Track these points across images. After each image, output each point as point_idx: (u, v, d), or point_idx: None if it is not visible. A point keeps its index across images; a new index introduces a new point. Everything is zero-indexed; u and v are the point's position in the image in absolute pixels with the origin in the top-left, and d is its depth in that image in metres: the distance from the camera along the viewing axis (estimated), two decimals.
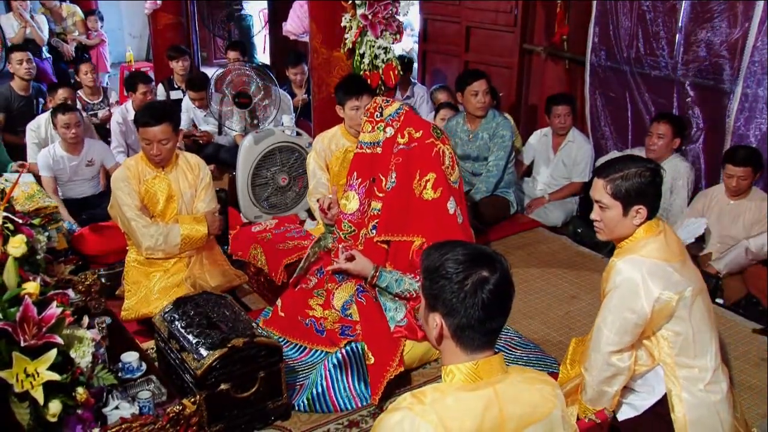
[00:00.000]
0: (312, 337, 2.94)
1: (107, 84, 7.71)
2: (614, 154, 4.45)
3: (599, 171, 2.27)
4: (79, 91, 5.87)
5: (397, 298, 2.89)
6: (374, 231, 2.94)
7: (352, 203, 3.00)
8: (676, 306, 2.16)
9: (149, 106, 3.35)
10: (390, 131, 2.93)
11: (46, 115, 5.03)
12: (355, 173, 3.02)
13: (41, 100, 5.81)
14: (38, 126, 4.98)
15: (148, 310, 3.14)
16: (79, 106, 5.37)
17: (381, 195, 2.95)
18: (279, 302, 3.13)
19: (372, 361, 2.70)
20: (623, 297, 2.17)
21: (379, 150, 2.96)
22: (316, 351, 2.93)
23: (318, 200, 3.33)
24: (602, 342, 2.22)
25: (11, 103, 5.60)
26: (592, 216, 2.30)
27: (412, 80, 6.17)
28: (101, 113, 5.87)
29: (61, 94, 5.05)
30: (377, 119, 2.96)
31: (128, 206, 3.16)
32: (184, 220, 3.21)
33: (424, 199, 2.86)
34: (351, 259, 2.86)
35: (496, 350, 1.52)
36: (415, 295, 2.83)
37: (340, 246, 2.98)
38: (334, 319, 2.88)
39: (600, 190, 2.22)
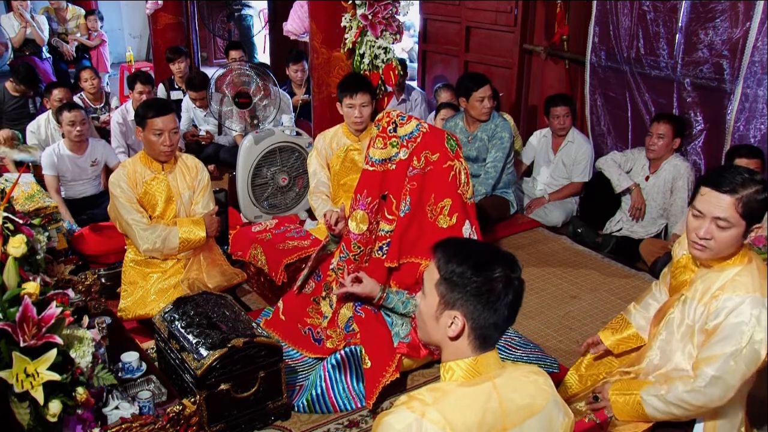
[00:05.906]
0: (309, 346, 2.93)
1: (107, 83, 7.72)
2: (615, 153, 4.45)
3: (719, 184, 1.96)
4: (81, 94, 5.89)
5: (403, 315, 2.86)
6: (380, 252, 2.84)
7: (361, 224, 2.82)
8: None
9: (151, 101, 3.32)
10: (405, 153, 2.74)
11: (45, 115, 5.01)
12: (365, 191, 2.80)
13: (38, 99, 5.82)
14: (38, 127, 4.97)
15: (144, 312, 3.15)
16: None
17: (392, 218, 2.79)
18: (281, 304, 3.11)
19: (369, 365, 2.69)
20: (757, 350, 1.95)
21: (392, 166, 2.76)
22: None
23: (324, 214, 3.20)
24: (728, 392, 1.99)
25: (4, 103, 5.62)
26: (702, 234, 1.99)
27: (407, 84, 6.12)
28: (102, 117, 5.88)
29: (57, 94, 4.99)
30: (390, 134, 2.75)
31: (126, 209, 3.12)
32: (182, 222, 3.19)
33: (439, 226, 2.76)
34: (357, 280, 2.77)
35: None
36: None
37: (345, 268, 2.85)
38: (339, 337, 2.86)
39: (728, 208, 1.93)
